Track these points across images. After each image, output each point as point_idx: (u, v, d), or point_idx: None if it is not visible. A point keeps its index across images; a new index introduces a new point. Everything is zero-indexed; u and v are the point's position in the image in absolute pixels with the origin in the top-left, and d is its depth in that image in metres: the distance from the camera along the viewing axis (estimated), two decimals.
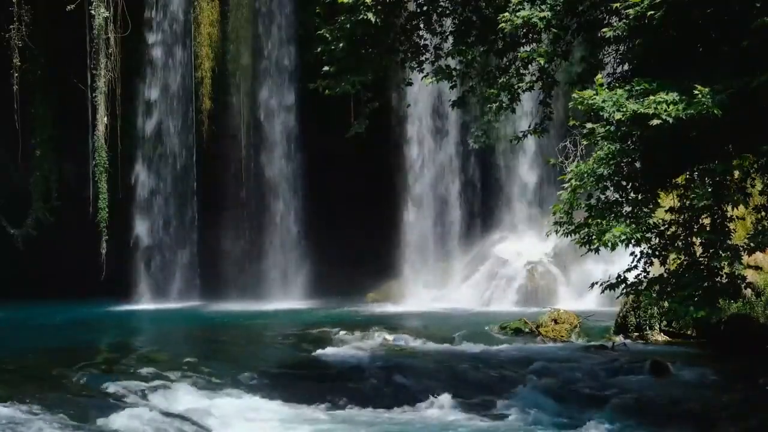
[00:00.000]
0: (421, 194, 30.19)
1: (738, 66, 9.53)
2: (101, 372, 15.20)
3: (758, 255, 11.49)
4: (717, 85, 9.30)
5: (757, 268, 11.93)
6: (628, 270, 11.27)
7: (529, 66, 12.36)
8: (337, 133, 17.34)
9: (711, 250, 10.46)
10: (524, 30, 11.77)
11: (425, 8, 13.61)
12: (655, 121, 9.40)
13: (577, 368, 15.68)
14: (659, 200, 10.84)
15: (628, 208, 10.59)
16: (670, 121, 9.34)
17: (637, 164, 10.54)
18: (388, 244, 29.34)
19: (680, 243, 10.70)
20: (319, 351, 17.61)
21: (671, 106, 9.37)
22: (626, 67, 11.73)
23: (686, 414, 12.61)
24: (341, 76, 13.07)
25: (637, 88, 9.86)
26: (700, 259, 10.65)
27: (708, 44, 10.34)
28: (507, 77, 12.85)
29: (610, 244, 10.13)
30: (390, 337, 19.41)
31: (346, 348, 18.03)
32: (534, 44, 12.14)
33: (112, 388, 13.65)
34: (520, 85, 12.79)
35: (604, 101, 9.88)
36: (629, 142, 10.24)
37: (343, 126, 15.26)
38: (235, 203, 31.16)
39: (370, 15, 12.34)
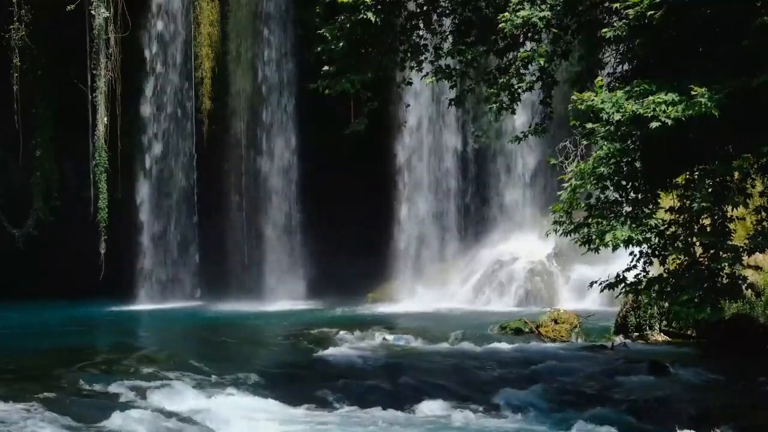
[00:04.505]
0: (420, 194, 30.19)
1: (738, 66, 9.53)
2: (101, 372, 15.21)
3: (758, 255, 11.49)
4: (717, 85, 9.30)
5: (757, 268, 11.94)
6: (628, 269, 11.27)
7: (529, 66, 12.36)
8: (337, 133, 17.34)
9: (711, 251, 10.45)
10: (524, 30, 11.77)
11: (425, 8, 13.61)
12: (655, 124, 9.41)
13: (577, 368, 15.68)
14: (659, 200, 10.84)
15: (628, 208, 10.60)
16: (669, 123, 9.34)
17: (637, 164, 10.53)
18: (388, 244, 29.37)
19: (680, 243, 10.70)
20: (320, 351, 17.62)
21: (670, 108, 9.37)
22: (626, 67, 11.73)
23: (686, 414, 12.59)
24: (341, 76, 13.06)
25: (637, 89, 9.86)
26: (701, 259, 10.65)
27: (708, 44, 10.34)
28: (507, 77, 12.84)
29: (610, 245, 10.13)
30: (390, 337, 19.42)
31: (347, 348, 18.03)
32: (534, 44, 12.13)
33: (112, 388, 13.66)
34: (520, 85, 12.78)
35: (603, 102, 9.89)
36: (629, 142, 10.24)
37: (342, 126, 15.24)
38: (235, 203, 31.16)
39: (370, 15, 12.33)
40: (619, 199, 10.69)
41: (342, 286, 27.95)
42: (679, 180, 11.06)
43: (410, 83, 15.06)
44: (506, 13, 11.31)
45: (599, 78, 11.02)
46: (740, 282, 10.80)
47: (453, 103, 14.54)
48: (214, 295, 29.13)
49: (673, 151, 10.25)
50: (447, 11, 13.65)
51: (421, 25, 13.67)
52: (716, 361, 15.99)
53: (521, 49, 12.38)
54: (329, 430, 12.17)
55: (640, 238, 10.17)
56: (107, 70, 29.15)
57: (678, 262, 10.98)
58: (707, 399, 13.56)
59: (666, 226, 10.77)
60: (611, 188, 10.55)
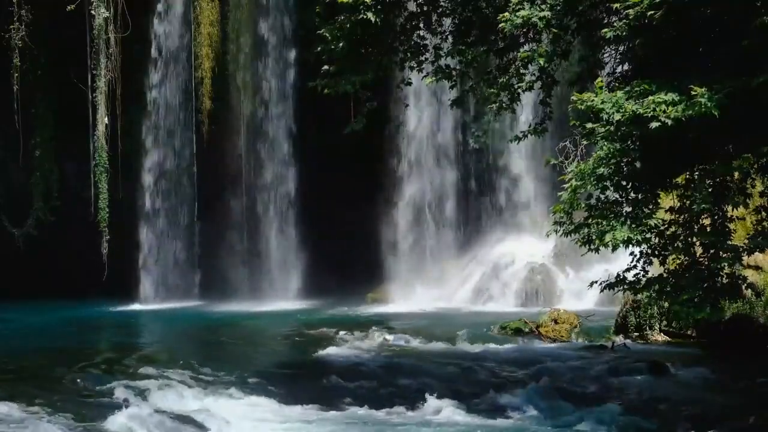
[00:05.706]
0: (420, 194, 30.19)
1: (738, 66, 9.53)
2: (101, 372, 15.22)
3: (758, 255, 11.49)
4: (717, 85, 9.30)
5: (757, 268, 11.95)
6: (628, 270, 11.28)
7: (529, 66, 12.36)
8: (337, 133, 17.34)
9: (711, 251, 10.45)
10: (524, 30, 11.77)
11: (425, 8, 13.61)
12: (655, 124, 9.41)
13: (577, 368, 15.68)
14: (659, 200, 10.84)
15: (628, 208, 10.60)
16: (669, 123, 9.34)
17: (637, 164, 10.54)
18: (388, 243, 29.37)
19: (680, 243, 10.70)
20: (319, 351, 17.63)
21: (670, 108, 9.37)
22: (626, 67, 11.73)
23: (686, 414, 12.61)
24: (341, 76, 13.07)
25: (637, 89, 9.86)
26: (701, 259, 10.65)
27: (708, 44, 10.34)
28: (507, 77, 12.84)
29: (610, 245, 10.13)
30: (390, 337, 19.41)
31: (346, 348, 18.04)
32: (534, 44, 12.13)
33: (112, 388, 13.65)
34: (520, 85, 12.79)
35: (603, 102, 9.89)
36: (629, 142, 10.24)
37: (342, 126, 15.23)
38: (234, 203, 31.17)
39: (370, 15, 12.33)
40: (619, 199, 10.69)
41: (342, 286, 27.95)
42: (679, 180, 11.06)
43: (410, 83, 15.07)
44: (506, 13, 11.31)
45: (599, 78, 11.02)
46: (740, 282, 10.80)
47: (454, 103, 14.56)
48: (214, 295, 29.14)
49: (673, 151, 10.25)
50: (447, 11, 13.65)
51: (421, 25, 13.68)
52: (716, 361, 15.99)
53: (521, 49, 12.39)
54: (329, 430, 12.17)
55: (639, 238, 10.17)
56: (107, 70, 29.16)
57: (678, 262, 10.98)
58: (707, 399, 13.57)
59: (666, 226, 10.78)
60: (611, 188, 10.55)
